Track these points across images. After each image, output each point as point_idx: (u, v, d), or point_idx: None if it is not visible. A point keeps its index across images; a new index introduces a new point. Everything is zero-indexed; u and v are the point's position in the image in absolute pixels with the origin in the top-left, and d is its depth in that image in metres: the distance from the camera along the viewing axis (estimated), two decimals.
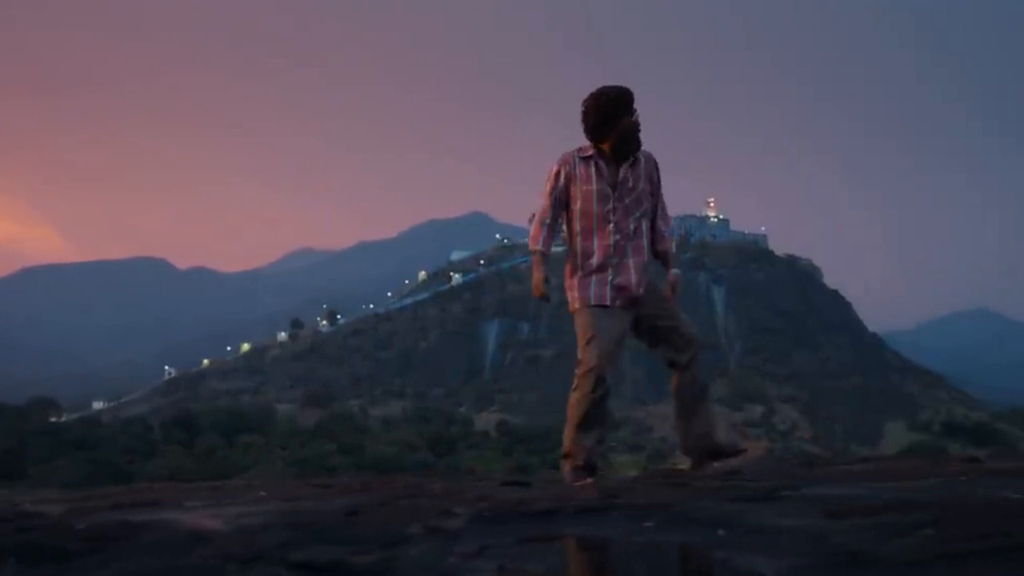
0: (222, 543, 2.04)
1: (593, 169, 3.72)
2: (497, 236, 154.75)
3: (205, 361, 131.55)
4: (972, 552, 1.78)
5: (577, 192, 3.74)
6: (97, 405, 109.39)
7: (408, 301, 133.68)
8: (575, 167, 3.75)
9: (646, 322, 3.92)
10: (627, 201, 3.74)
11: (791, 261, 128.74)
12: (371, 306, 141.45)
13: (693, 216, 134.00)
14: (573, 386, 3.85)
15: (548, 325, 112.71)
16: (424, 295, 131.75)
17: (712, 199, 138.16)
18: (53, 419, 65.86)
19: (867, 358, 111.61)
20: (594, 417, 3.83)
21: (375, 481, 3.83)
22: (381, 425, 69.50)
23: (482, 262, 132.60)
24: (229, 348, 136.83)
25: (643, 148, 3.81)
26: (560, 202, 3.80)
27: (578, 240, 3.83)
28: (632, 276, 3.80)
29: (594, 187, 3.71)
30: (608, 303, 3.79)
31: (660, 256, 4.00)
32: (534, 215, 3.90)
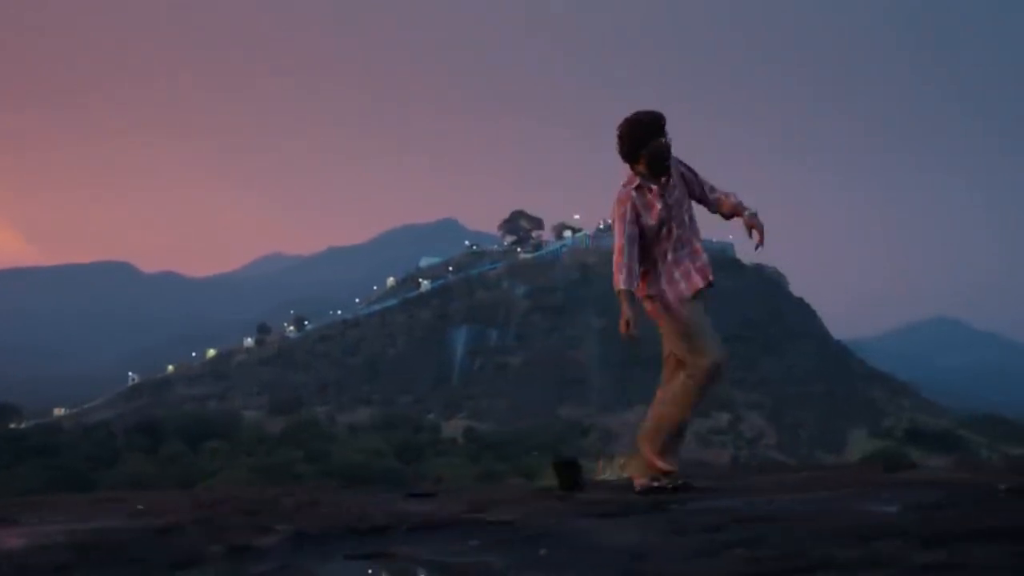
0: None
1: (648, 195, 4.04)
2: (466, 243, 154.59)
3: (170, 367, 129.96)
4: (767, 572, 1.84)
5: (647, 221, 4.03)
6: (59, 411, 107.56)
7: (376, 307, 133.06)
8: (635, 202, 4.04)
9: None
10: (672, 200, 4.05)
11: (758, 269, 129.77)
12: (339, 312, 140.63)
13: None
14: (688, 385, 4.10)
15: (516, 332, 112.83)
16: (392, 301, 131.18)
17: None
18: (13, 425, 64.78)
19: (832, 365, 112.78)
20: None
21: (247, 492, 3.79)
22: (348, 432, 69.08)
23: (451, 268, 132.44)
24: (195, 353, 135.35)
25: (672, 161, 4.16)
26: (634, 239, 4.04)
27: (653, 250, 4.09)
28: (704, 257, 4.17)
29: (659, 210, 4.03)
30: (701, 285, 4.10)
31: (732, 210, 4.17)
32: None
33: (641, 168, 4.00)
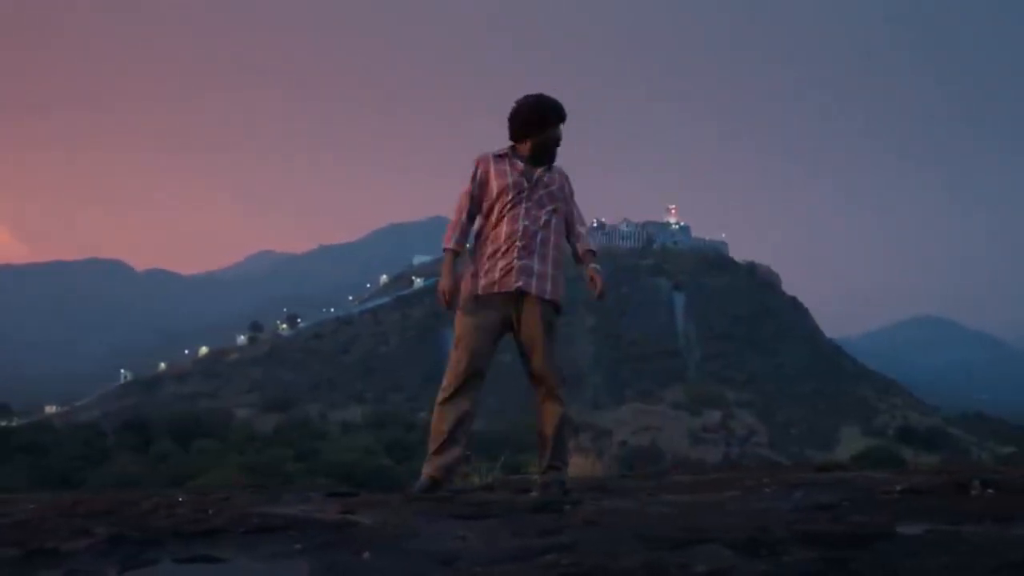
0: None
1: (507, 165, 3.77)
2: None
3: (162, 365, 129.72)
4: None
5: (493, 187, 3.74)
6: (50, 409, 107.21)
7: (369, 305, 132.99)
8: (491, 164, 3.79)
9: (516, 333, 3.80)
10: (540, 193, 3.76)
11: (750, 268, 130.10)
12: (332, 310, 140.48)
13: (654, 222, 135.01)
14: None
15: None
16: (385, 299, 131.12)
17: (673, 206, 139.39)
18: (3, 423, 64.54)
19: (824, 364, 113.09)
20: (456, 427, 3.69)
21: (122, 493, 3.73)
22: (340, 430, 68.96)
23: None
24: (187, 351, 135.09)
25: (556, 166, 3.88)
26: (477, 201, 3.79)
27: (489, 230, 3.77)
28: (547, 278, 3.75)
29: (509, 180, 3.73)
30: (496, 290, 3.69)
31: (581, 256, 3.99)
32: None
33: (523, 151, 3.78)
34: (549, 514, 2.78)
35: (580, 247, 3.97)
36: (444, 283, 3.70)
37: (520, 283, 3.68)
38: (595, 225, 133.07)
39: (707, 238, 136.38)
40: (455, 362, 3.73)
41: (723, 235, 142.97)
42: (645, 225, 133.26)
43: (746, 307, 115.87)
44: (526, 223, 3.72)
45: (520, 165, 3.76)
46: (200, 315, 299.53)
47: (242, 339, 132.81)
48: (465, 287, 3.75)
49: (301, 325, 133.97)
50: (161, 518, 2.60)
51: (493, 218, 3.75)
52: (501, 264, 3.69)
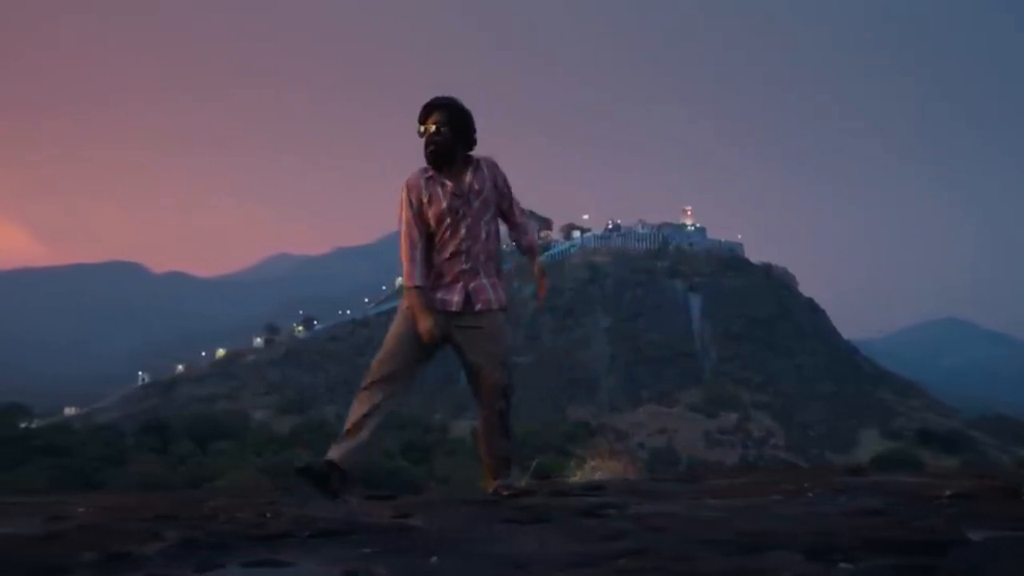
0: None
1: (438, 186, 3.67)
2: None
3: (180, 367, 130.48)
4: None
5: (429, 215, 3.66)
6: (69, 411, 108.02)
7: (385, 307, 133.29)
8: (423, 190, 3.68)
9: (462, 354, 3.72)
10: (474, 205, 3.69)
11: (767, 269, 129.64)
12: (348, 312, 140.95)
13: (670, 224, 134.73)
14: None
15: (525, 332, 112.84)
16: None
17: (689, 207, 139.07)
18: (24, 425, 65.01)
19: (841, 365, 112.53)
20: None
21: (178, 496, 3.75)
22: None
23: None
24: (204, 354, 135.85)
25: (485, 156, 3.79)
26: (421, 226, 3.68)
27: (432, 251, 3.71)
28: (486, 291, 3.68)
29: (444, 204, 3.65)
30: (439, 308, 3.64)
31: (525, 249, 3.95)
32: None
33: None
34: (598, 518, 2.76)
35: (524, 241, 3.93)
36: (427, 323, 3.59)
37: (462, 300, 3.64)
38: (610, 227, 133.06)
39: (723, 239, 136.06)
40: (378, 360, 3.68)
41: (739, 236, 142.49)
42: (661, 227, 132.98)
43: (762, 309, 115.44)
44: (468, 244, 3.67)
45: (449, 184, 3.67)
46: (217, 317, 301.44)
47: (259, 341, 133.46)
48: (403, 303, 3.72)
49: (317, 327, 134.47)
50: (223, 522, 2.61)
51: (436, 241, 3.68)
52: (445, 283, 3.67)
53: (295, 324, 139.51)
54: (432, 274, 3.69)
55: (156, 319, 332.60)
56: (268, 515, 2.75)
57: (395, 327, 3.71)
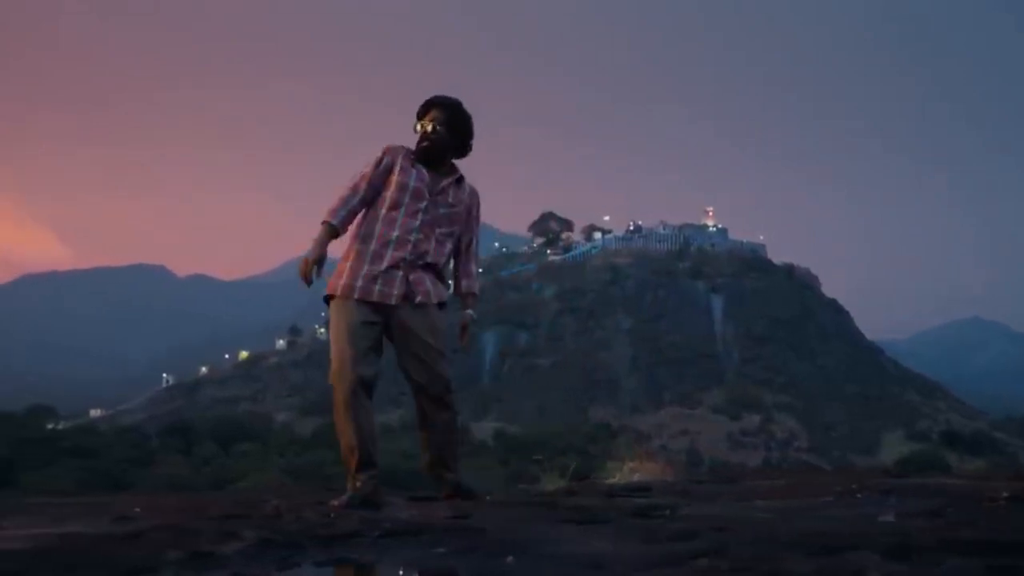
0: None
1: (414, 168, 3.54)
2: (496, 244, 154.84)
3: (203, 368, 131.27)
4: None
5: (392, 182, 3.51)
6: (95, 412, 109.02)
7: None
8: (399, 158, 3.56)
9: (400, 348, 3.58)
10: (440, 211, 3.54)
11: (789, 270, 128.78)
12: None
13: (691, 225, 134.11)
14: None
15: (546, 333, 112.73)
16: None
17: (711, 208, 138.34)
18: (51, 426, 65.69)
19: (865, 366, 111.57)
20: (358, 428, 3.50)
21: (235, 496, 3.80)
22: (379, 433, 69.34)
23: (480, 270, 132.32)
24: (227, 356, 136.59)
25: (469, 183, 3.69)
26: (374, 187, 3.51)
27: (374, 224, 3.51)
28: (425, 283, 3.51)
29: (411, 183, 3.50)
30: (373, 298, 3.45)
31: (462, 294, 3.74)
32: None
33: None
34: (654, 519, 2.76)
35: (464, 284, 3.73)
36: (313, 252, 3.38)
37: (402, 293, 3.47)
38: (632, 228, 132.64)
39: (744, 240, 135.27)
40: (334, 354, 3.53)
41: (761, 237, 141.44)
42: (682, 228, 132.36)
43: (785, 309, 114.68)
44: (418, 237, 3.49)
45: (426, 175, 3.55)
46: (240, 319, 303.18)
47: (281, 343, 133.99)
48: (339, 277, 3.52)
49: None
50: (290, 522, 2.66)
51: (381, 214, 3.50)
52: (382, 271, 3.46)
53: (317, 326, 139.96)
54: (371, 251, 3.48)
55: (180, 321, 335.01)
56: (332, 515, 2.80)
57: (338, 322, 3.51)
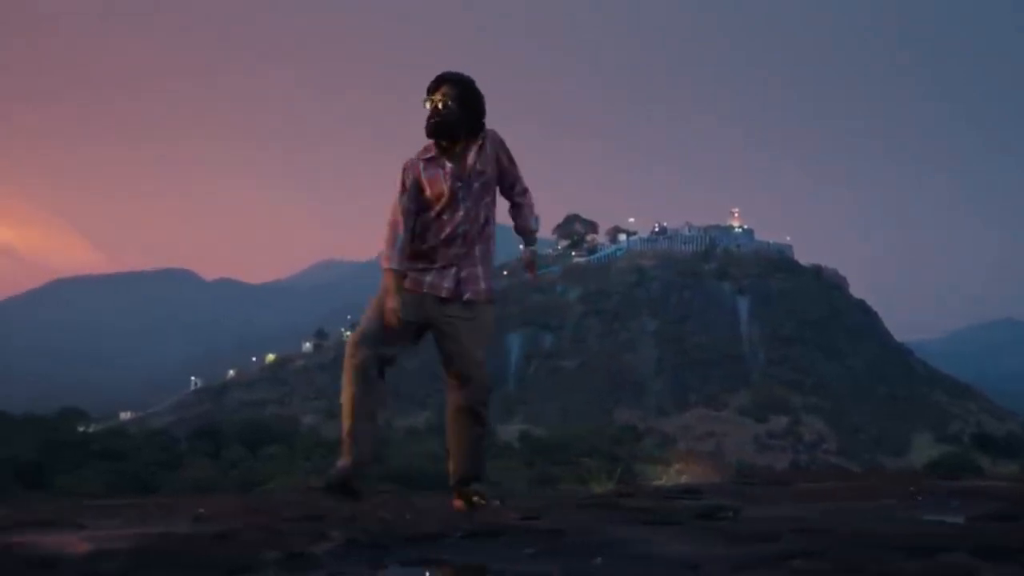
0: (63, 569, 2.04)
1: (438, 169, 3.53)
2: (521, 247, 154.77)
3: (231, 372, 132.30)
4: None
5: (429, 196, 3.53)
6: (124, 415, 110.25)
7: None
8: (422, 172, 3.55)
9: (443, 343, 3.58)
10: (475, 186, 3.55)
11: (817, 271, 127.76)
12: None
13: (717, 226, 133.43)
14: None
15: (571, 336, 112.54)
16: None
17: (736, 209, 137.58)
18: (82, 429, 66.46)
19: (894, 368, 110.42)
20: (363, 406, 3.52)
21: (306, 497, 3.82)
22: (406, 436, 69.55)
23: (506, 272, 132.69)
24: (255, 359, 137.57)
25: (489, 129, 3.63)
26: (411, 212, 3.53)
27: (426, 228, 3.55)
28: (478, 281, 3.56)
29: (444, 186, 3.51)
30: (423, 290, 3.50)
31: (520, 231, 3.85)
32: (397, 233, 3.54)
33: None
34: (721, 520, 2.74)
35: (520, 224, 3.81)
36: (392, 302, 3.43)
37: (453, 287, 3.51)
38: (657, 230, 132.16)
39: (771, 241, 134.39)
40: (360, 326, 3.61)
41: (788, 238, 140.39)
42: (708, 229, 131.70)
43: (812, 310, 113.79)
44: (466, 226, 3.53)
45: (449, 166, 3.53)
46: (267, 323, 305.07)
47: (307, 346, 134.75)
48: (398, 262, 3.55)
49: None
50: (373, 523, 2.67)
51: (432, 219, 3.54)
52: (437, 267, 3.52)
53: (343, 329, 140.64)
54: (424, 255, 3.54)
55: (207, 325, 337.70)
56: (408, 516, 2.82)
57: (376, 303, 3.56)
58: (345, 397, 3.52)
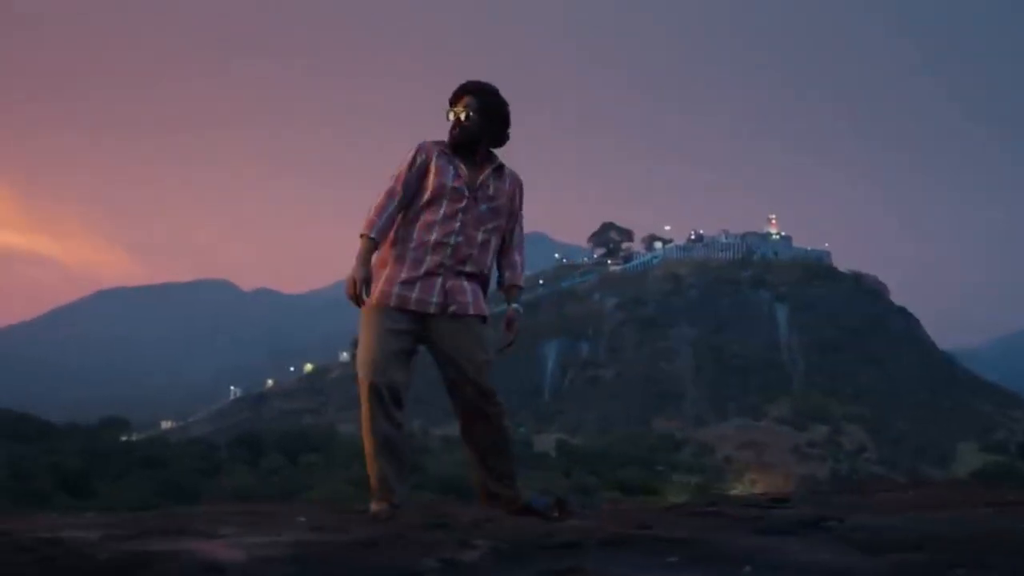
0: (232, 574, 2.03)
1: (451, 165, 3.35)
2: (556, 255, 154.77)
3: (269, 381, 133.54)
4: None
5: (429, 183, 3.33)
6: (165, 424, 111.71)
7: None
8: (434, 159, 3.36)
9: (440, 361, 3.45)
10: (481, 208, 3.36)
11: (856, 277, 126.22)
12: None
13: (754, 233, 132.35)
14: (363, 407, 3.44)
15: (608, 345, 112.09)
16: None
17: (774, 216, 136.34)
18: (124, 438, 67.45)
19: (936, 376, 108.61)
20: (388, 444, 3.37)
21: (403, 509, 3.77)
22: (443, 445, 69.68)
23: (541, 282, 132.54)
24: (292, 368, 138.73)
25: (509, 169, 3.50)
26: (410, 189, 3.33)
27: (412, 228, 3.34)
28: (465, 292, 3.35)
29: (449, 183, 3.32)
30: (410, 307, 3.29)
31: (506, 288, 3.58)
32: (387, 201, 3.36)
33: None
34: (828, 531, 2.66)
35: (508, 276, 3.57)
36: (358, 271, 3.23)
37: (441, 302, 3.32)
38: (693, 237, 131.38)
39: (809, 248, 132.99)
40: (362, 360, 3.45)
41: (826, 245, 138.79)
42: (744, 236, 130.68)
43: (852, 318, 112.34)
44: (458, 240, 3.31)
45: (464, 170, 3.36)
46: (304, 333, 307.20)
47: (344, 356, 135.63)
48: (375, 283, 3.33)
49: None
50: (504, 531, 2.63)
51: (419, 216, 3.34)
52: (420, 276, 3.30)
53: None
54: (408, 256, 3.32)
55: (245, 335, 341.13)
56: (547, 525, 2.77)
57: (367, 324, 3.39)
58: (368, 447, 3.43)
